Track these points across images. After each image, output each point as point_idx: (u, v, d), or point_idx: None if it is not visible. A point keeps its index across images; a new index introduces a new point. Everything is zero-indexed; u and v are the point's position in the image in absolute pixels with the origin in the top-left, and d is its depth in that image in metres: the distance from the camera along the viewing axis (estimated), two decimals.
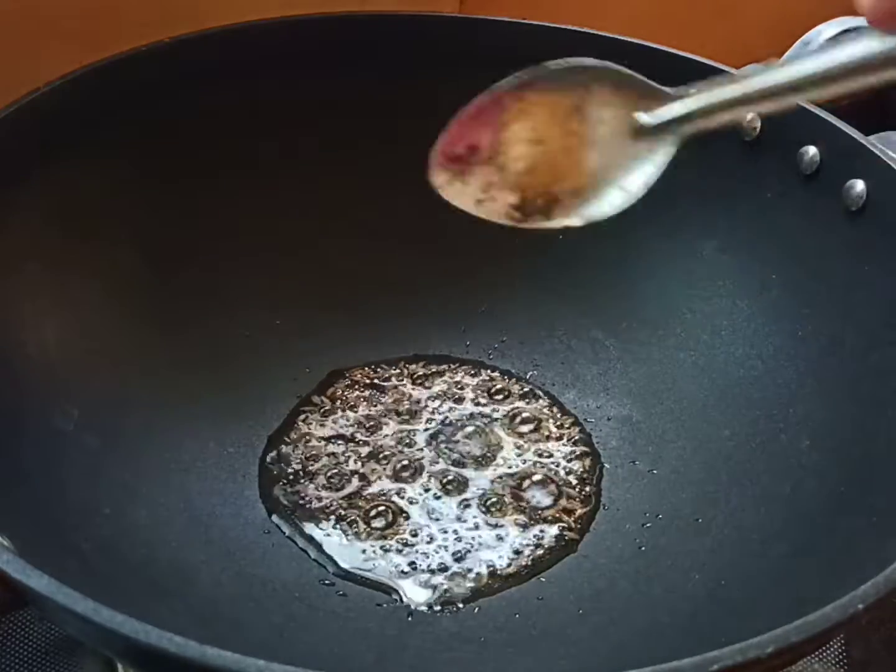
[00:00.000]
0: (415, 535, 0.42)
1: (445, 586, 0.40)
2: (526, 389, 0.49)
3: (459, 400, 0.48)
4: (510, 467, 0.45)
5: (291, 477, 0.44)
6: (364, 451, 0.45)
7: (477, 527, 0.42)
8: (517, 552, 0.41)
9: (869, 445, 0.38)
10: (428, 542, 0.41)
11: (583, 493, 0.44)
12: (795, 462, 0.41)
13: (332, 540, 0.42)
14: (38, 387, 0.40)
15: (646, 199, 0.49)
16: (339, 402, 0.48)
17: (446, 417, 0.47)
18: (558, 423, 0.47)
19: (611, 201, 0.32)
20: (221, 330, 0.47)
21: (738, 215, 0.47)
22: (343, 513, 0.43)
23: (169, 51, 0.45)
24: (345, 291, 0.50)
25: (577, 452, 0.46)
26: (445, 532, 0.42)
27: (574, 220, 0.33)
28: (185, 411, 0.44)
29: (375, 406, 0.47)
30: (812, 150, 0.43)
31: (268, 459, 0.45)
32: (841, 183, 0.42)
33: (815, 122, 0.44)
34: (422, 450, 0.45)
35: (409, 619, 0.39)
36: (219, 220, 0.48)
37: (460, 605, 0.39)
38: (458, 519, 0.42)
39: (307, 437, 0.46)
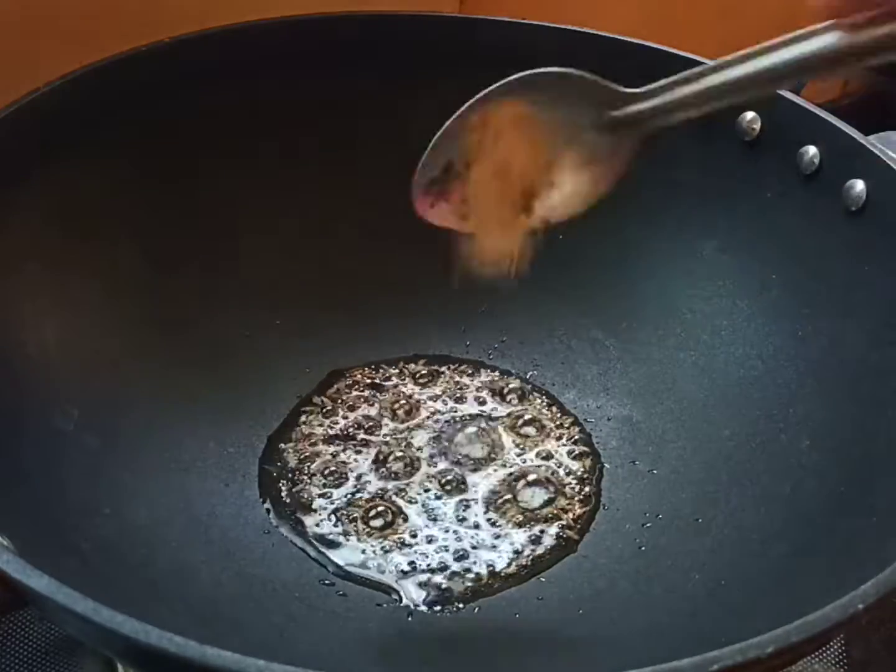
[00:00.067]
0: (414, 536, 0.42)
1: (445, 586, 0.40)
2: (526, 389, 0.49)
3: (459, 400, 0.48)
4: (510, 467, 0.45)
5: (291, 477, 0.44)
6: (364, 451, 0.45)
7: (477, 527, 0.42)
8: (517, 552, 0.41)
9: (869, 445, 0.38)
10: (428, 543, 0.41)
11: (583, 493, 0.44)
12: (795, 462, 0.40)
13: (332, 540, 0.42)
14: (38, 387, 0.40)
15: (646, 200, 0.49)
16: (339, 402, 0.48)
17: (446, 417, 0.47)
18: (558, 423, 0.47)
19: (583, 195, 0.33)
20: (221, 330, 0.47)
21: (738, 215, 0.47)
22: (343, 513, 0.43)
23: (169, 51, 0.45)
24: (345, 291, 0.50)
25: (577, 452, 0.46)
26: (445, 532, 0.42)
27: (554, 215, 0.34)
28: (185, 411, 0.44)
29: (375, 406, 0.47)
30: (812, 150, 0.43)
31: (268, 459, 0.45)
32: (841, 183, 0.42)
33: (815, 122, 0.44)
34: (421, 450, 0.45)
35: (409, 619, 0.39)
36: (219, 220, 0.48)
37: (460, 605, 0.39)
38: (458, 519, 0.42)
39: (307, 437, 0.46)
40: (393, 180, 0.50)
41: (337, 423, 0.47)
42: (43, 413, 0.39)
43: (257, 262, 0.49)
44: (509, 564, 0.41)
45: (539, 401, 0.48)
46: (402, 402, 0.48)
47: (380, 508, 0.43)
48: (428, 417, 0.47)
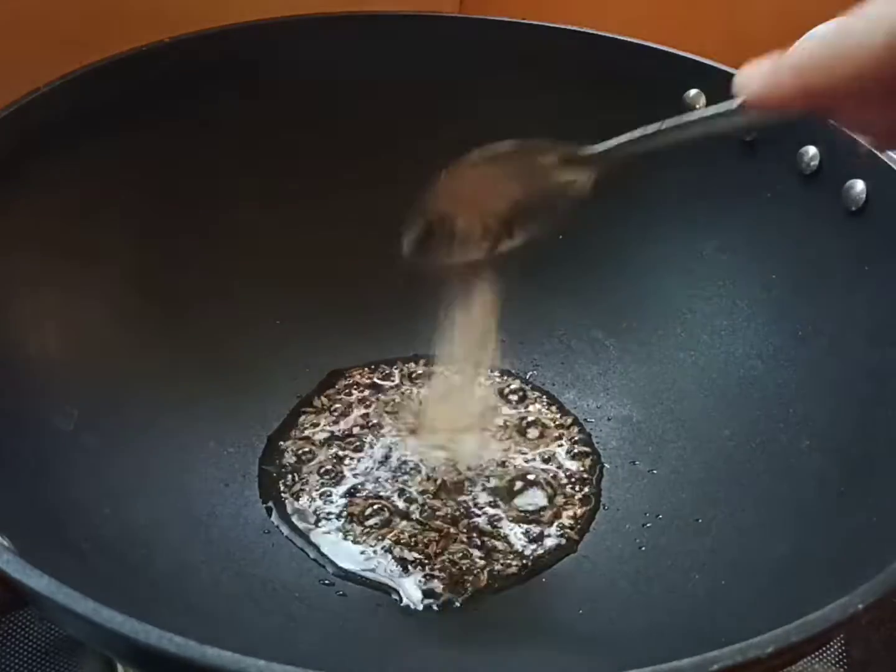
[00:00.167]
0: (414, 536, 0.42)
1: (445, 586, 0.40)
2: (526, 389, 0.49)
3: None
4: (510, 467, 0.45)
5: (291, 477, 0.44)
6: (364, 451, 0.45)
7: (477, 527, 0.42)
8: (517, 552, 0.41)
9: (869, 445, 0.38)
10: (427, 543, 0.41)
11: (583, 493, 0.44)
12: (795, 462, 0.40)
13: (332, 540, 0.42)
14: (38, 387, 0.40)
15: (646, 200, 0.49)
16: (338, 402, 0.48)
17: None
18: (558, 423, 0.47)
19: (549, 221, 0.37)
20: (221, 330, 0.47)
21: (738, 215, 0.47)
22: (342, 513, 0.43)
23: (169, 51, 0.45)
24: (345, 291, 0.50)
25: (577, 452, 0.46)
26: (445, 532, 0.42)
27: (531, 234, 0.37)
28: (185, 411, 0.44)
29: (375, 406, 0.47)
30: (812, 150, 0.43)
31: (268, 459, 0.45)
32: (841, 183, 0.42)
33: (815, 122, 0.44)
34: (422, 449, 0.45)
35: (410, 619, 0.39)
36: (218, 220, 0.48)
37: (460, 605, 0.39)
38: (458, 519, 0.42)
39: (307, 437, 0.46)
40: (393, 180, 0.51)
41: (337, 423, 0.47)
42: (43, 413, 0.39)
43: (257, 262, 0.49)
44: (509, 564, 0.41)
45: (539, 401, 0.48)
46: (402, 402, 0.48)
47: (380, 509, 0.43)
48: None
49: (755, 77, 0.28)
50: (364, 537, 0.42)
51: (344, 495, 0.43)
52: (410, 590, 0.40)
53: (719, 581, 0.38)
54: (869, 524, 0.34)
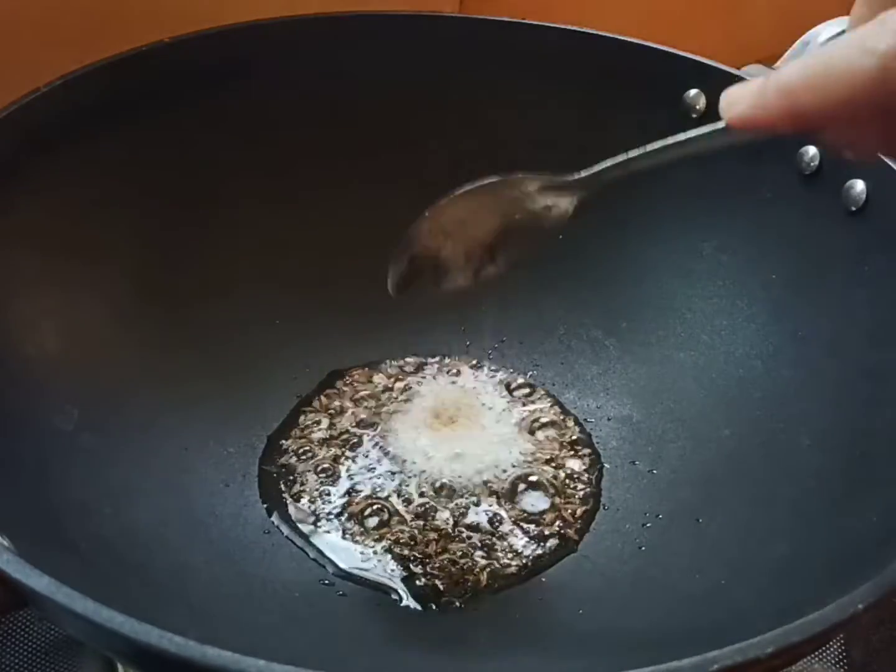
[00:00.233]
0: (414, 536, 0.42)
1: (445, 586, 0.40)
2: (526, 389, 0.49)
3: None
4: (509, 467, 0.45)
5: (291, 477, 0.44)
6: (363, 450, 0.45)
7: (477, 527, 0.42)
8: (517, 552, 0.41)
9: (869, 445, 0.38)
10: (427, 543, 0.41)
11: (583, 493, 0.44)
12: (795, 462, 0.40)
13: (332, 540, 0.42)
14: (38, 387, 0.40)
15: (646, 200, 0.49)
16: (338, 401, 0.48)
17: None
18: (558, 422, 0.47)
19: (535, 243, 0.37)
20: (221, 330, 0.47)
21: (738, 215, 0.47)
22: (343, 513, 0.43)
23: (169, 51, 0.45)
24: (345, 291, 0.50)
25: (577, 452, 0.46)
26: (445, 532, 0.42)
27: (515, 260, 0.38)
28: (185, 411, 0.44)
29: (375, 406, 0.47)
30: (812, 150, 0.43)
31: (267, 459, 0.45)
32: (841, 183, 0.42)
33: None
34: (422, 449, 0.45)
35: (410, 619, 0.39)
36: (219, 220, 0.48)
37: (460, 605, 0.39)
38: (458, 519, 0.42)
39: (307, 438, 0.46)
40: (393, 180, 0.51)
41: (336, 423, 0.47)
42: (43, 413, 0.39)
43: (258, 262, 0.49)
44: (509, 564, 0.41)
45: (540, 401, 0.48)
46: (402, 401, 0.48)
47: (379, 508, 0.43)
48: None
49: (742, 98, 0.28)
50: (364, 537, 0.42)
51: (343, 495, 0.43)
52: (410, 589, 0.40)
53: (719, 581, 0.38)
54: (869, 524, 0.34)
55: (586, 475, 0.45)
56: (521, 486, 0.44)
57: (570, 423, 0.47)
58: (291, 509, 0.43)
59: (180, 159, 0.47)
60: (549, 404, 0.48)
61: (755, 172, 0.46)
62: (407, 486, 0.44)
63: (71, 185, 0.43)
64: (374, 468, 0.44)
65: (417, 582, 0.40)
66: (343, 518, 0.42)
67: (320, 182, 0.50)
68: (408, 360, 0.50)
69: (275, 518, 0.42)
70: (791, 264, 0.45)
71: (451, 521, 0.42)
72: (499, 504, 0.43)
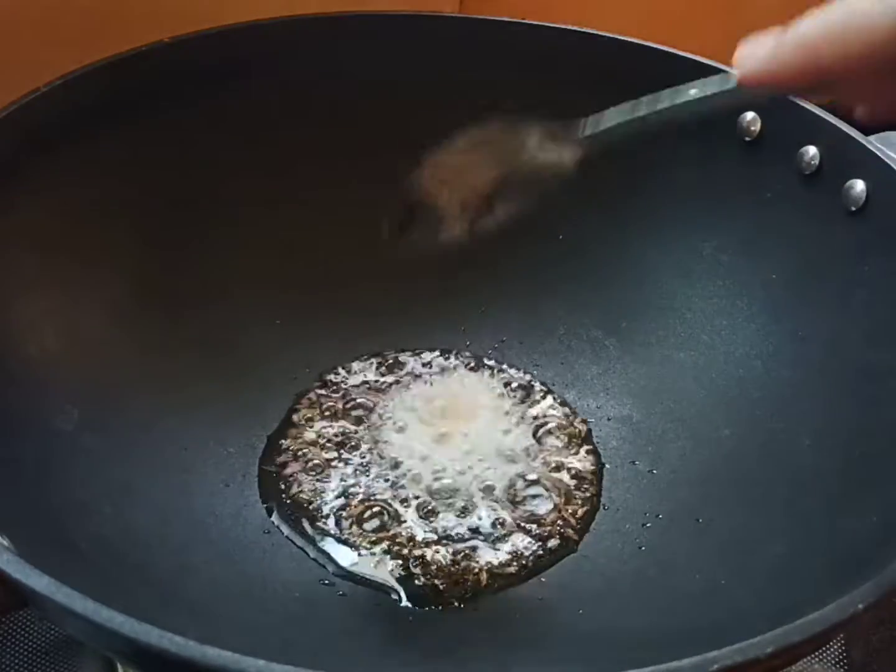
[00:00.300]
0: (413, 536, 0.42)
1: (445, 586, 0.40)
2: (526, 389, 0.49)
3: None
4: (510, 467, 0.45)
5: (291, 477, 0.44)
6: (363, 451, 0.45)
7: (477, 527, 0.42)
8: (517, 552, 0.41)
9: (869, 445, 0.38)
10: (427, 543, 0.41)
11: (583, 493, 0.44)
12: (795, 462, 0.40)
13: (332, 540, 0.41)
14: (38, 387, 0.40)
15: (646, 200, 0.49)
16: (338, 401, 0.48)
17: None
18: (558, 422, 0.47)
19: (534, 193, 0.36)
20: (222, 329, 0.47)
21: (738, 215, 0.47)
22: (342, 513, 0.43)
23: (169, 51, 0.45)
24: (345, 291, 0.50)
25: (577, 452, 0.46)
26: (445, 532, 0.42)
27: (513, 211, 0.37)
28: (186, 411, 0.44)
29: (375, 405, 0.47)
30: (812, 150, 0.43)
31: (267, 459, 0.45)
32: (841, 183, 0.42)
33: (815, 122, 0.44)
34: (421, 449, 0.45)
35: (410, 619, 0.39)
36: (219, 220, 0.48)
37: (460, 606, 0.39)
38: (459, 519, 0.42)
39: (307, 437, 0.46)
40: (393, 180, 0.51)
41: (337, 424, 0.47)
42: (43, 413, 0.39)
43: (258, 263, 0.49)
44: (509, 565, 0.41)
45: (540, 401, 0.48)
46: (403, 401, 0.48)
47: (379, 509, 0.43)
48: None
49: (757, 53, 0.28)
50: (364, 537, 0.42)
51: (343, 495, 0.43)
52: (410, 590, 0.40)
53: (719, 581, 0.38)
54: (869, 524, 0.34)
55: (586, 475, 0.45)
56: (521, 487, 0.44)
57: (570, 423, 0.47)
58: (291, 509, 0.43)
59: (180, 159, 0.47)
60: (548, 404, 0.48)
61: (755, 172, 0.46)
62: (406, 486, 0.44)
63: (71, 185, 0.43)
64: (374, 468, 0.44)
65: (417, 582, 0.40)
66: (342, 518, 0.42)
67: (320, 182, 0.50)
68: (408, 359, 0.50)
69: (275, 518, 0.42)
70: (791, 264, 0.45)
71: (450, 522, 0.42)
72: (498, 504, 0.43)
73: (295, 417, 0.47)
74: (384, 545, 0.41)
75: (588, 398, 0.49)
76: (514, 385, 0.49)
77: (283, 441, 0.46)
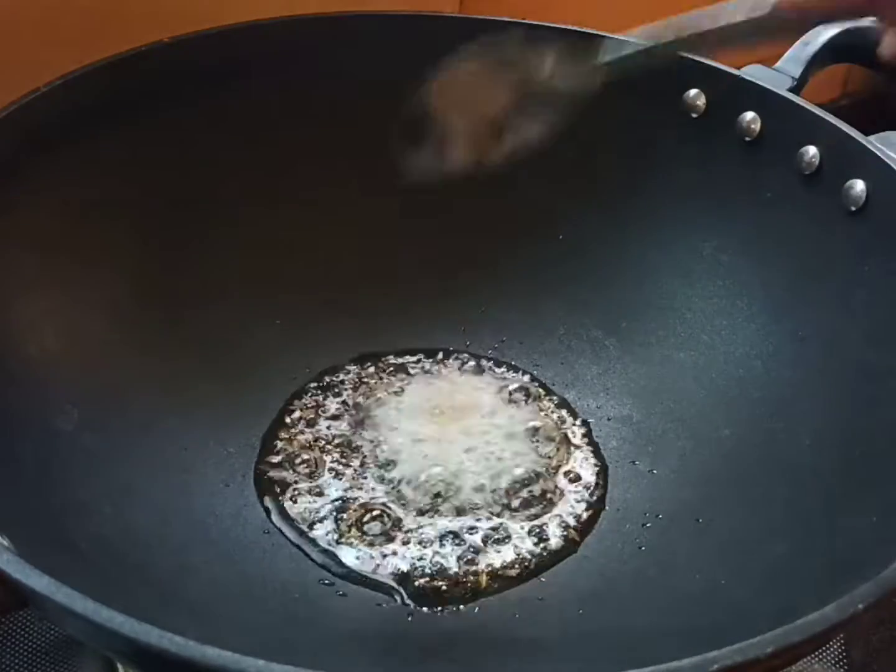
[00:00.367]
0: (414, 536, 0.42)
1: (445, 586, 0.40)
2: (526, 389, 0.49)
3: None
4: (510, 468, 0.45)
5: (291, 477, 0.44)
6: (363, 451, 0.45)
7: (477, 527, 0.42)
8: (517, 553, 0.41)
9: (869, 445, 0.38)
10: (427, 544, 0.41)
11: (583, 493, 0.44)
12: (795, 462, 0.41)
13: (331, 541, 0.41)
14: (38, 387, 0.40)
15: (646, 200, 0.49)
16: (338, 402, 0.47)
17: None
18: (558, 422, 0.47)
19: (548, 123, 0.35)
20: (221, 329, 0.47)
21: (738, 215, 0.47)
22: (342, 514, 0.42)
23: (169, 51, 0.45)
24: (344, 292, 0.50)
25: (577, 452, 0.46)
26: (445, 532, 0.42)
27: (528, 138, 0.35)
28: (186, 411, 0.44)
29: (375, 405, 0.47)
30: (812, 150, 0.43)
31: (267, 460, 0.45)
32: (841, 183, 0.42)
33: (815, 122, 0.44)
34: (421, 450, 0.45)
35: (409, 619, 0.39)
36: (219, 220, 0.48)
37: (460, 606, 0.39)
38: (458, 520, 0.42)
39: (306, 437, 0.46)
40: (393, 181, 0.51)
41: (337, 424, 0.47)
42: (43, 413, 0.39)
43: (258, 263, 0.49)
44: (509, 565, 0.41)
45: (540, 401, 0.48)
46: (403, 400, 0.48)
47: (378, 510, 0.43)
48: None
49: None
50: (363, 537, 0.42)
51: (342, 496, 0.43)
52: (410, 590, 0.40)
53: (719, 581, 0.38)
54: (869, 524, 0.34)
55: (586, 475, 0.45)
56: (521, 487, 0.44)
57: (570, 423, 0.47)
58: (291, 510, 0.43)
59: (180, 159, 0.47)
60: (549, 404, 0.48)
61: (755, 173, 0.46)
62: (406, 486, 0.44)
63: (71, 185, 0.43)
64: (373, 469, 0.44)
65: (417, 582, 0.40)
66: (342, 519, 0.42)
67: (320, 182, 0.50)
68: (408, 360, 0.50)
69: (274, 518, 0.42)
70: (791, 264, 0.45)
71: (450, 522, 0.42)
72: (498, 505, 0.43)
73: (294, 418, 0.47)
74: (384, 546, 0.41)
75: (588, 398, 0.48)
76: (513, 385, 0.49)
77: (282, 441, 0.46)
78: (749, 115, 0.46)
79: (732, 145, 0.46)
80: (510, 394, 0.49)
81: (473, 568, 0.41)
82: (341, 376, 0.49)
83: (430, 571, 0.40)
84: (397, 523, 0.42)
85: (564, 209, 0.51)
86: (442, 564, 0.41)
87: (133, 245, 0.45)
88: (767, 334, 0.45)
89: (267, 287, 0.49)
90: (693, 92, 0.47)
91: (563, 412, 0.48)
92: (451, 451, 0.45)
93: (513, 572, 0.41)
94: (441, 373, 0.49)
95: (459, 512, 0.43)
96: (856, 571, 0.28)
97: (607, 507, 0.44)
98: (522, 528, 0.42)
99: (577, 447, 0.46)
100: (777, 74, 0.47)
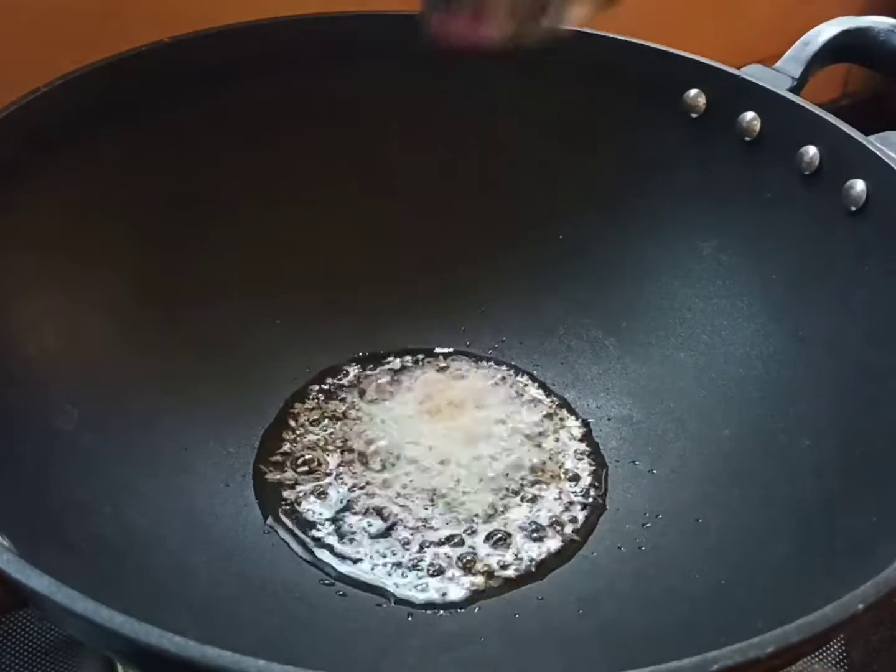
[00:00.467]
0: (414, 536, 0.42)
1: (445, 587, 0.40)
2: (526, 389, 0.49)
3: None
4: (510, 468, 0.45)
5: (291, 477, 0.44)
6: (363, 451, 0.45)
7: (476, 528, 0.42)
8: (517, 553, 0.41)
9: (869, 445, 0.38)
10: (428, 544, 0.41)
11: (583, 493, 0.44)
12: (795, 462, 0.41)
13: (332, 541, 0.41)
14: (38, 387, 0.40)
15: (646, 200, 0.49)
16: (338, 402, 0.48)
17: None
18: (558, 422, 0.47)
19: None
20: (221, 329, 0.47)
21: (738, 215, 0.47)
22: (342, 514, 0.43)
23: (169, 51, 0.45)
24: (344, 292, 0.50)
25: (577, 452, 0.46)
26: (445, 532, 0.42)
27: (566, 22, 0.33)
28: (186, 411, 0.44)
29: (376, 405, 0.47)
30: (812, 150, 0.43)
31: (268, 459, 0.45)
32: (841, 183, 0.42)
33: (815, 122, 0.44)
34: (421, 450, 0.45)
35: (409, 619, 0.39)
36: (219, 220, 0.48)
37: (460, 606, 0.39)
38: (458, 519, 0.42)
39: (306, 437, 0.46)
40: (393, 181, 0.51)
41: (336, 424, 0.47)
42: (43, 413, 0.39)
43: (258, 263, 0.49)
44: (509, 565, 0.41)
45: (540, 400, 0.48)
46: (404, 400, 0.48)
47: (378, 510, 0.43)
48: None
49: None
50: (363, 538, 0.42)
51: (343, 496, 0.43)
52: (410, 590, 0.40)
53: (719, 581, 0.38)
54: (869, 524, 0.34)
55: (586, 475, 0.45)
56: (521, 487, 0.44)
57: (570, 423, 0.47)
58: (291, 510, 0.43)
59: (180, 159, 0.47)
60: (549, 404, 0.48)
61: (755, 172, 0.46)
62: (406, 486, 0.44)
63: (71, 185, 0.43)
64: (373, 469, 0.44)
65: (417, 582, 0.40)
66: (342, 519, 0.42)
67: (320, 182, 0.50)
68: (407, 360, 0.50)
69: (274, 518, 0.42)
70: (791, 264, 0.45)
71: (449, 522, 0.42)
72: (498, 505, 0.43)
73: (294, 417, 0.47)
74: (384, 545, 0.41)
75: (588, 398, 0.48)
76: (513, 385, 0.49)
77: (282, 441, 0.46)
78: (749, 115, 0.46)
79: (732, 145, 0.46)
80: (510, 394, 0.49)
81: (473, 568, 0.41)
82: (341, 376, 0.49)
83: (430, 571, 0.40)
84: (397, 523, 0.42)
85: (564, 209, 0.51)
86: (442, 565, 0.41)
87: (133, 245, 0.45)
88: (767, 334, 0.45)
89: (267, 287, 0.49)
90: (693, 92, 0.47)
91: (564, 412, 0.48)
92: (451, 452, 0.45)
93: (512, 572, 0.41)
94: (441, 373, 0.49)
95: (459, 512, 0.43)
96: (856, 571, 0.28)
97: (607, 508, 0.44)
98: (522, 528, 0.42)
99: (577, 447, 0.46)
100: (777, 74, 0.47)
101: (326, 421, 0.47)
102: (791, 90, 0.46)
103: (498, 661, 0.37)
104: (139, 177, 0.46)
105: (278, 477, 0.44)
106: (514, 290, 0.51)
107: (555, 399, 0.48)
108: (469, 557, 0.41)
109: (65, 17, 0.48)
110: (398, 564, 0.41)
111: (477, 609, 0.39)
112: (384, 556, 0.41)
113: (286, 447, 0.45)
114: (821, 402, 0.41)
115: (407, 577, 0.40)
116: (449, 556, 0.41)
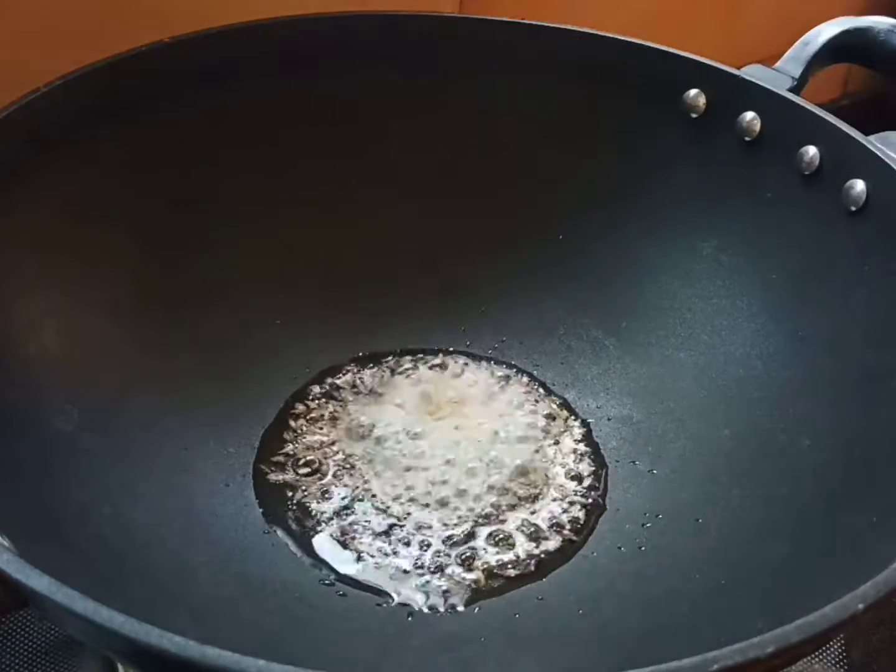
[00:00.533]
0: (414, 536, 0.42)
1: (445, 587, 0.40)
2: (527, 389, 0.49)
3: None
4: (510, 468, 0.45)
5: (291, 477, 0.44)
6: (363, 451, 0.45)
7: (476, 528, 0.42)
8: (517, 553, 0.41)
9: (869, 445, 0.38)
10: (428, 544, 0.41)
11: (583, 493, 0.44)
12: (795, 462, 0.41)
13: (332, 541, 0.41)
14: (38, 387, 0.40)
15: (646, 200, 0.49)
16: (338, 402, 0.48)
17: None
18: (559, 422, 0.47)
19: None
20: (222, 329, 0.47)
21: (738, 215, 0.47)
22: (342, 514, 0.43)
23: (169, 51, 0.45)
24: (344, 291, 0.50)
25: (577, 452, 0.46)
26: (445, 533, 0.42)
27: None
28: (186, 411, 0.44)
29: (374, 407, 0.47)
30: (812, 150, 0.43)
31: (267, 459, 0.45)
32: (841, 183, 0.42)
33: (815, 122, 0.44)
34: (422, 450, 0.45)
35: (409, 619, 0.39)
36: (219, 220, 0.48)
37: (460, 606, 0.39)
38: (458, 519, 0.42)
39: (306, 437, 0.46)
40: (393, 181, 0.51)
41: (336, 424, 0.47)
42: (43, 413, 0.39)
43: (258, 263, 0.49)
44: (509, 565, 0.41)
45: (539, 401, 0.48)
46: (404, 399, 0.48)
47: (378, 510, 0.43)
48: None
49: None
50: (363, 538, 0.42)
51: (343, 497, 0.43)
52: (410, 590, 0.40)
53: (719, 581, 0.38)
54: (869, 524, 0.34)
55: (586, 475, 0.45)
56: (521, 487, 0.44)
57: (571, 424, 0.47)
58: (291, 510, 0.43)
59: (180, 159, 0.47)
60: (549, 404, 0.48)
61: (755, 172, 0.46)
62: (406, 487, 0.44)
63: (71, 185, 0.43)
64: (373, 469, 0.44)
65: (418, 582, 0.40)
66: (342, 519, 0.42)
67: (320, 182, 0.50)
68: (407, 359, 0.50)
69: (274, 518, 0.42)
70: (791, 264, 0.45)
71: (450, 522, 0.42)
72: (498, 505, 0.43)
73: (294, 418, 0.47)
74: (384, 545, 0.41)
75: (588, 398, 0.48)
76: (513, 385, 0.49)
77: (282, 441, 0.46)
78: (749, 115, 0.46)
79: (732, 145, 0.46)
80: (510, 394, 0.49)
81: (473, 568, 0.41)
82: (341, 376, 0.49)
83: (430, 571, 0.40)
84: (397, 523, 0.42)
85: (564, 209, 0.51)
86: (442, 565, 0.41)
87: (133, 245, 0.45)
88: (767, 334, 0.45)
89: (267, 287, 0.49)
90: (693, 92, 0.47)
91: (563, 412, 0.48)
92: (452, 452, 0.45)
93: (512, 572, 0.41)
94: (441, 373, 0.49)
95: (459, 512, 0.43)
96: (856, 571, 0.28)
97: (607, 508, 0.44)
98: (522, 528, 0.42)
99: (577, 447, 0.46)
100: (777, 74, 0.47)
101: (326, 421, 0.47)
102: (791, 90, 0.46)
103: (498, 661, 0.37)
104: (139, 177, 0.46)
105: (278, 477, 0.44)
106: (514, 290, 0.51)
107: (555, 399, 0.48)
108: (469, 557, 0.41)
109: (65, 17, 0.48)
110: (398, 565, 0.41)
111: (477, 609, 0.39)
112: (384, 557, 0.41)
113: (286, 447, 0.45)
114: (821, 402, 0.41)
115: (407, 577, 0.40)
116: (449, 556, 0.41)
